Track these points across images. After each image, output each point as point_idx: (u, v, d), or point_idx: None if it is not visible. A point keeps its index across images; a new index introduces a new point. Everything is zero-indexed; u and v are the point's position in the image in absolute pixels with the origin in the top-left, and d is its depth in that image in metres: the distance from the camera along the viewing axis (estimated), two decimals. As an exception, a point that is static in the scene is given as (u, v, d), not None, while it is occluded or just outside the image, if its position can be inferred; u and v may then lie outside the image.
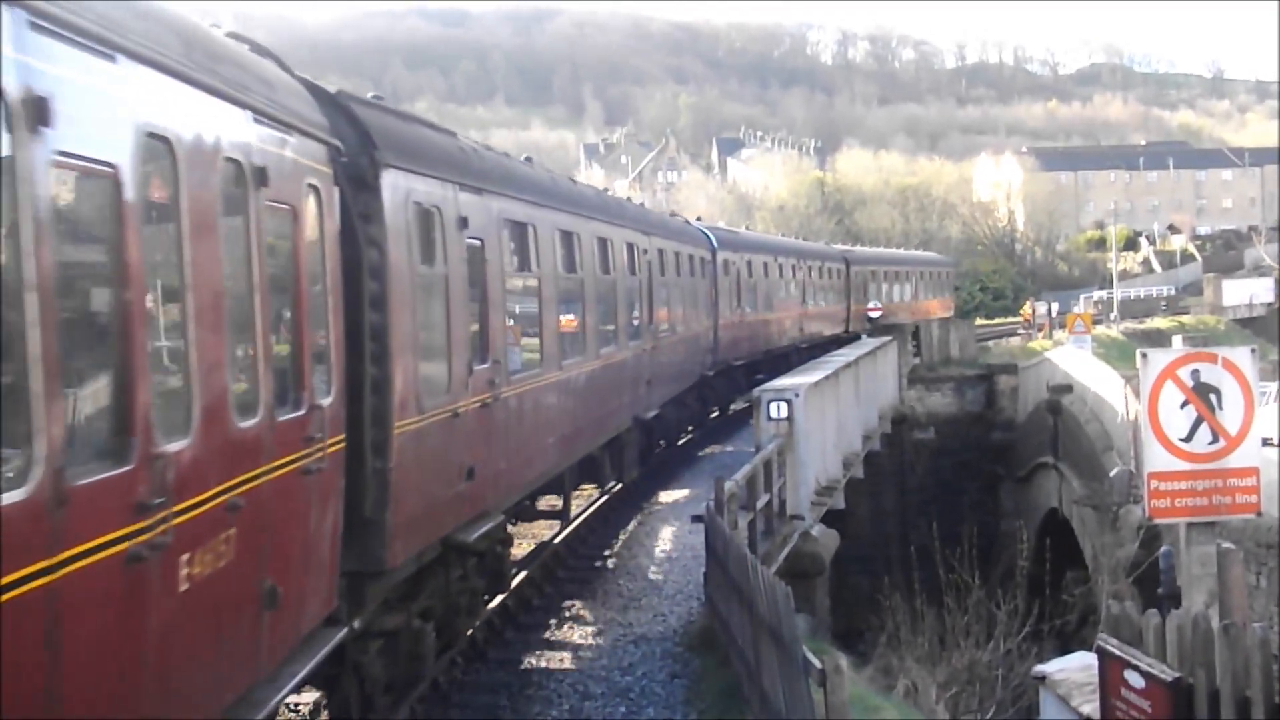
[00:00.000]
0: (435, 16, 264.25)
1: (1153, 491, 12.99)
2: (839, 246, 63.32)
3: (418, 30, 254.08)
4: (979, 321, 76.05)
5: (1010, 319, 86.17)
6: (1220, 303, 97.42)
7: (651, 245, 23.84)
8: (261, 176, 7.91)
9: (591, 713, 12.79)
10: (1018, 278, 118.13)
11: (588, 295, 18.26)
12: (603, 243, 19.66)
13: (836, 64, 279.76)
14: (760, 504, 17.04)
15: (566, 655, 14.68)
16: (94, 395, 5.99)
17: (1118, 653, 9.64)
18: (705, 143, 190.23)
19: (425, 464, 11.13)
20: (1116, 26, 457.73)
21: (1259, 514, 13.35)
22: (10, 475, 4.95)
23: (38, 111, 5.17)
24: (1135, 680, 9.31)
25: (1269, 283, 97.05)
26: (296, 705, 12.18)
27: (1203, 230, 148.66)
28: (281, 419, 8.16)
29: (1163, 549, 15.00)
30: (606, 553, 19.79)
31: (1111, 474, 20.77)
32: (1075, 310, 62.32)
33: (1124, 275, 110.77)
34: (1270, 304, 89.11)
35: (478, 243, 12.89)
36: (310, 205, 9.02)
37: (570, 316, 17.72)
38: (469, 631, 14.21)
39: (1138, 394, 13.73)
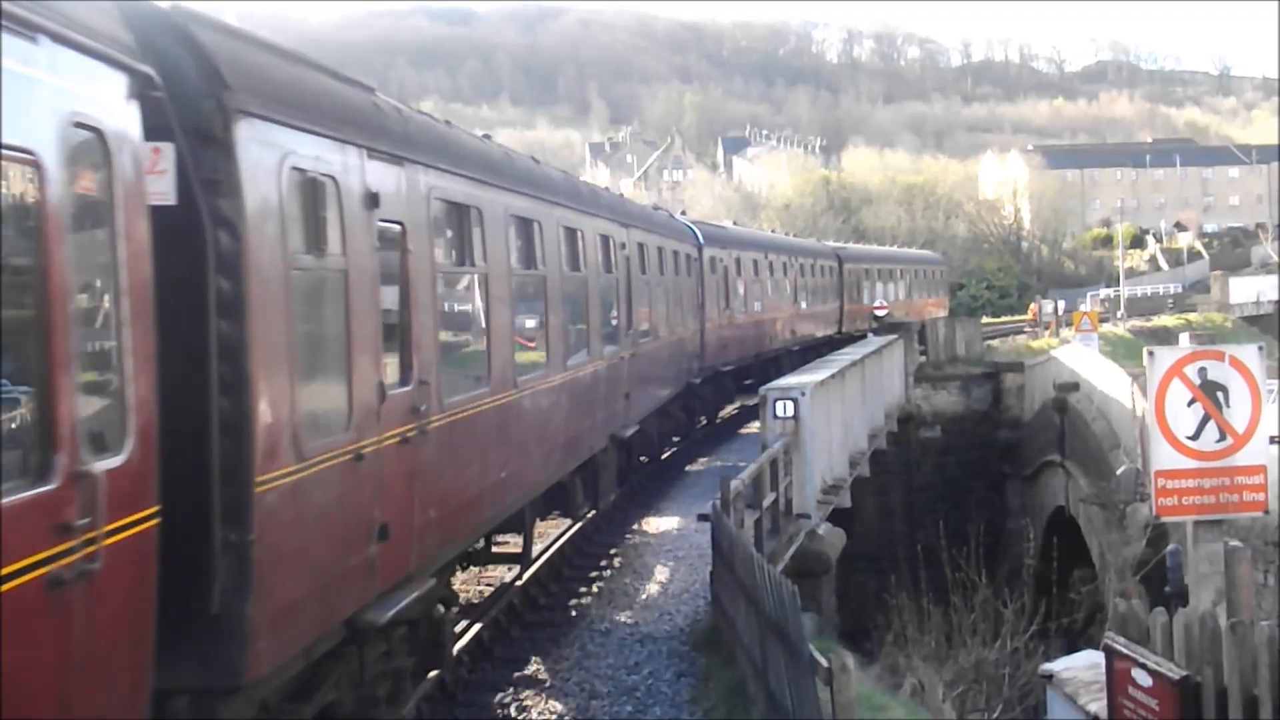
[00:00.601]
0: (440, 16, 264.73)
1: (1160, 490, 12.97)
2: (831, 243, 60.87)
3: (423, 29, 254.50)
4: (985, 320, 75.96)
5: (1017, 317, 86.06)
6: (1227, 300, 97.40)
7: (630, 239, 21.01)
8: None
9: (598, 712, 12.78)
10: (1024, 276, 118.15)
11: (552, 296, 15.21)
12: (571, 234, 16.67)
13: (842, 62, 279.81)
14: (766, 503, 17.02)
15: (572, 653, 14.66)
16: None
17: (1125, 651, 9.63)
18: (710, 141, 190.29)
19: (310, 529, 8.28)
20: (1122, 24, 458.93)
21: (1267, 512, 13.33)
22: None
23: None
24: (1142, 679, 9.30)
25: (1276, 280, 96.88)
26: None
27: (1209, 228, 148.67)
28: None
29: (1170, 547, 14.96)
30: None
31: (1119, 472, 20.72)
32: (1082, 308, 62.25)
33: (1130, 273, 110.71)
34: (1277, 301, 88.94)
35: (396, 227, 9.89)
36: (78, 156, 5.96)
37: (529, 322, 14.97)
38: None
39: (1145, 392, 13.69)
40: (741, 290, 34.83)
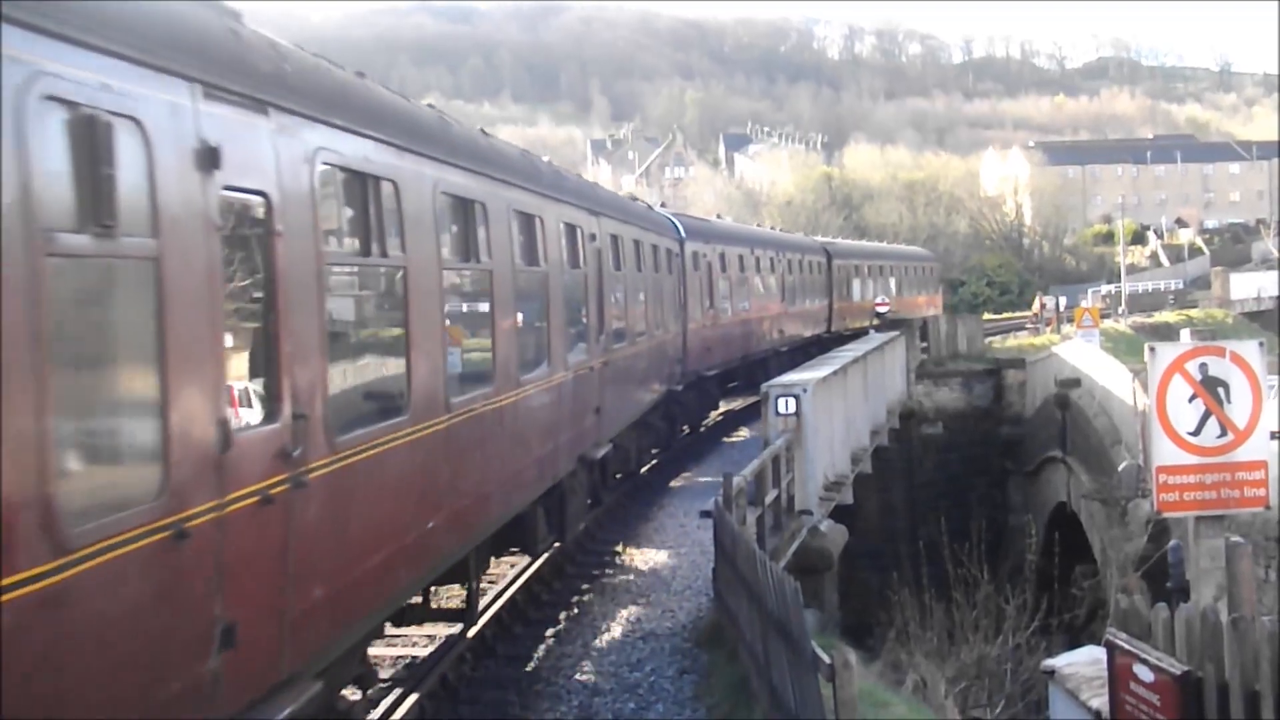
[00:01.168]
0: (442, 13, 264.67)
1: (1161, 485, 13.00)
2: (820, 238, 58.36)
3: (425, 27, 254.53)
4: (986, 316, 75.96)
5: (1019, 314, 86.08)
6: (1228, 296, 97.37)
7: (602, 229, 18.31)
8: None
9: (600, 708, 12.80)
10: (1025, 272, 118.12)
11: (500, 295, 12.36)
12: (527, 220, 13.87)
13: (843, 59, 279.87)
14: (769, 499, 17.03)
15: (575, 650, 14.69)
16: None
17: (1127, 647, 9.65)
18: (712, 138, 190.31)
19: (87, 655, 5.49)
20: (1124, 20, 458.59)
21: (1268, 507, 13.36)
22: None
23: None
24: (1144, 674, 9.32)
25: (1277, 276, 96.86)
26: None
27: (1210, 224, 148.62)
28: None
29: (1171, 543, 14.97)
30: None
31: (1120, 468, 20.73)
32: (1083, 304, 62.28)
33: (1132, 269, 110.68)
34: (1278, 297, 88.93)
35: (255, 200, 7.25)
36: None
37: (471, 329, 12.48)
38: (476, 629, 14.18)
39: (1146, 388, 13.72)
40: (727, 288, 32.86)
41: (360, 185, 8.98)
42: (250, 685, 6.99)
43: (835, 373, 22.56)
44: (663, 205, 35.30)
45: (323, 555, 7.99)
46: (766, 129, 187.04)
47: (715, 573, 15.65)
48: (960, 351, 42.01)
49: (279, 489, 7.22)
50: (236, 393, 7.43)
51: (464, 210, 11.53)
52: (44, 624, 5.16)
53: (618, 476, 22.44)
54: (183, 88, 6.39)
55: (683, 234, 28.27)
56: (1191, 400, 12.90)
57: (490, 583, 16.33)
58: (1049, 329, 64.08)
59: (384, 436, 9.04)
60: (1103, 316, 63.23)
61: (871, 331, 39.14)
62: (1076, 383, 28.01)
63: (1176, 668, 9.01)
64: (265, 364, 7.40)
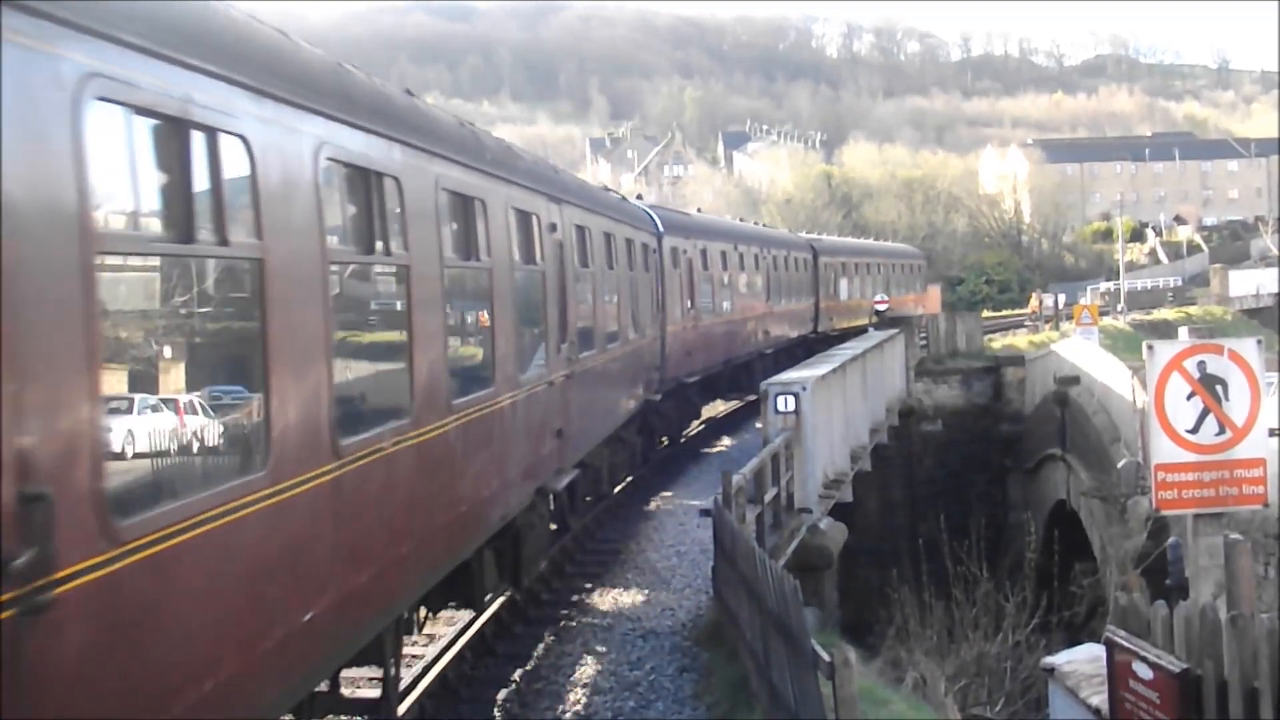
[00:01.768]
0: (441, 12, 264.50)
1: (1160, 483, 13.01)
2: (805, 234, 56.31)
3: (424, 25, 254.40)
4: (985, 314, 75.96)
5: (1017, 311, 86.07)
6: (1227, 293, 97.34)
7: (565, 219, 15.73)
8: None
9: (600, 707, 12.81)
10: (1024, 270, 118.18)
11: (421, 299, 9.59)
12: (463, 204, 11.26)
13: (842, 57, 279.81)
14: (768, 497, 17.04)
15: (575, 649, 14.70)
16: None
17: (1126, 644, 9.66)
18: (711, 136, 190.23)
19: None
20: (1122, 18, 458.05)
21: (1266, 505, 13.36)
22: None
23: None
24: (1143, 672, 9.32)
25: (1275, 273, 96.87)
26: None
27: (1209, 221, 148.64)
28: None
29: (1170, 540, 15.01)
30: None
31: (1119, 465, 20.75)
32: (1082, 302, 62.27)
33: (1130, 266, 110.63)
34: (1276, 294, 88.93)
35: None
36: None
37: (375, 343, 9.73)
38: (478, 627, 14.15)
39: (1145, 386, 13.73)
40: (708, 286, 30.67)
41: (177, 138, 6.16)
42: None
43: (834, 370, 22.58)
44: (639, 198, 32.47)
45: (110, 687, 5.32)
46: (765, 127, 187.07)
47: (715, 571, 15.66)
48: (959, 349, 42.03)
49: (8, 610, 4.61)
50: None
51: (365, 186, 8.73)
52: None
53: (587, 500, 20.15)
54: None
55: (660, 228, 26.10)
56: (1190, 398, 12.91)
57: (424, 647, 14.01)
58: (1048, 326, 64.09)
59: (226, 503, 6.29)
60: (1102, 314, 63.27)
61: (870, 329, 39.12)
62: (1076, 380, 28.03)
63: (1176, 665, 9.02)
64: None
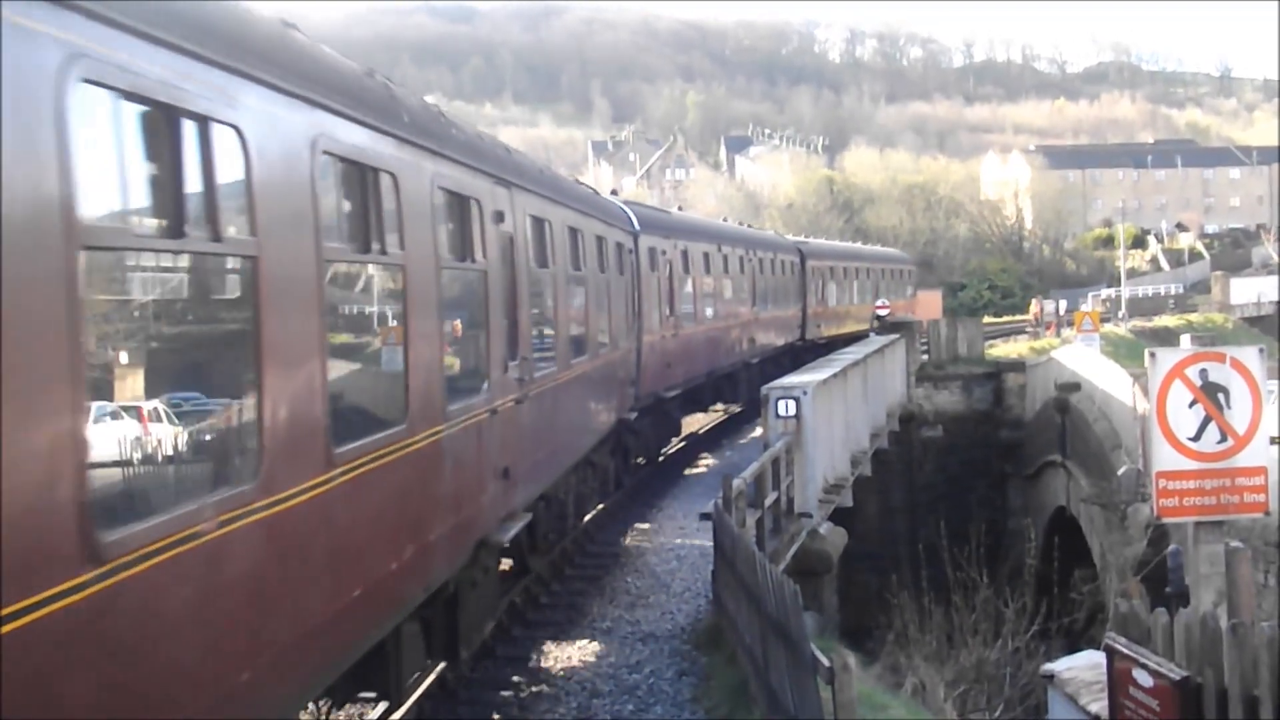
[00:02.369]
0: (443, 13, 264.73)
1: (1161, 490, 13.01)
2: (792, 237, 53.75)
3: (426, 27, 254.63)
4: (987, 320, 75.97)
5: (1018, 317, 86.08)
6: (1228, 301, 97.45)
7: (517, 207, 13.06)
8: None
9: (599, 710, 12.80)
10: (1025, 276, 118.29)
11: (283, 306, 6.92)
12: (363, 176, 8.49)
13: (844, 62, 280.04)
14: (768, 501, 17.04)
15: (574, 653, 14.69)
16: None
17: (1126, 651, 9.65)
18: (713, 140, 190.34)
19: None
20: (1124, 25, 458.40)
21: (1267, 513, 13.36)
22: None
23: None
24: (1143, 679, 9.31)
25: (1277, 281, 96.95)
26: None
27: (1210, 228, 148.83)
28: None
29: (1171, 548, 14.99)
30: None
31: (1120, 472, 20.75)
32: (1083, 308, 62.25)
33: (1132, 273, 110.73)
34: (1277, 302, 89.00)
35: None
36: None
37: (217, 371, 6.95)
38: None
39: (1146, 393, 13.74)
40: (690, 291, 28.34)
41: None
42: None
43: (835, 375, 22.59)
44: (613, 193, 29.47)
45: None
46: (767, 131, 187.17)
47: (714, 575, 15.66)
48: (960, 355, 42.06)
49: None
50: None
51: (171, 128, 5.86)
52: None
53: (549, 539, 16.97)
54: None
55: (636, 225, 23.51)
56: (1192, 406, 12.92)
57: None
58: (1049, 332, 64.08)
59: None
60: (1103, 320, 63.24)
61: (872, 334, 39.10)
62: (1076, 387, 28.04)
63: (1176, 673, 9.01)
64: None
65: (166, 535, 5.54)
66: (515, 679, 13.71)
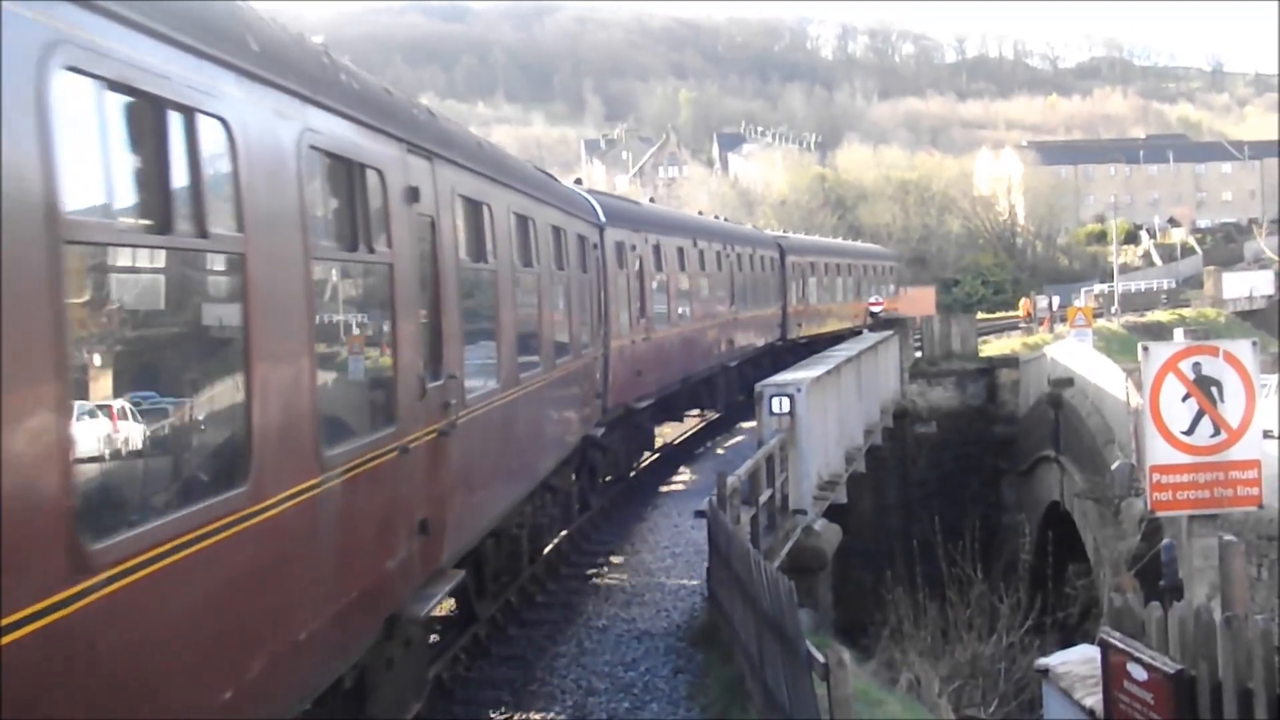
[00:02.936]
0: (436, 12, 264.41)
1: (1154, 484, 13.04)
2: (771, 232, 51.33)
3: (418, 26, 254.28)
4: (980, 316, 75.99)
5: (1011, 313, 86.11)
6: (1221, 295, 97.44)
7: (443, 186, 10.59)
8: None
9: (595, 708, 12.80)
10: (1018, 272, 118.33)
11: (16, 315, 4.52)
12: (205, 128, 6.02)
13: (837, 58, 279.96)
14: (763, 499, 17.04)
15: (570, 650, 14.68)
16: None
17: (1120, 645, 9.66)
18: (706, 138, 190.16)
19: None
20: (1116, 20, 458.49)
21: (1260, 506, 13.40)
22: None
23: None
24: (1138, 673, 9.32)
25: (1269, 275, 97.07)
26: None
27: (1203, 223, 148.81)
28: None
29: (1164, 542, 15.02)
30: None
31: (1113, 467, 20.77)
32: (1076, 304, 62.30)
33: (1124, 268, 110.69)
34: (1270, 296, 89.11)
35: None
36: None
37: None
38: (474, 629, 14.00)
39: (1139, 387, 13.76)
40: (663, 291, 26.20)
41: None
42: None
43: (829, 372, 22.60)
44: (577, 182, 27.35)
45: None
46: (760, 129, 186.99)
47: (709, 572, 15.66)
48: (954, 351, 42.09)
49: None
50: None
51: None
52: None
53: (502, 581, 15.05)
54: None
55: (602, 217, 21.24)
56: (1185, 399, 12.95)
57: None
58: (1042, 328, 64.11)
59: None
60: (1096, 315, 63.26)
61: (866, 332, 39.10)
62: (1069, 382, 28.08)
63: (1170, 666, 9.02)
64: None
65: None
66: (511, 677, 13.71)
